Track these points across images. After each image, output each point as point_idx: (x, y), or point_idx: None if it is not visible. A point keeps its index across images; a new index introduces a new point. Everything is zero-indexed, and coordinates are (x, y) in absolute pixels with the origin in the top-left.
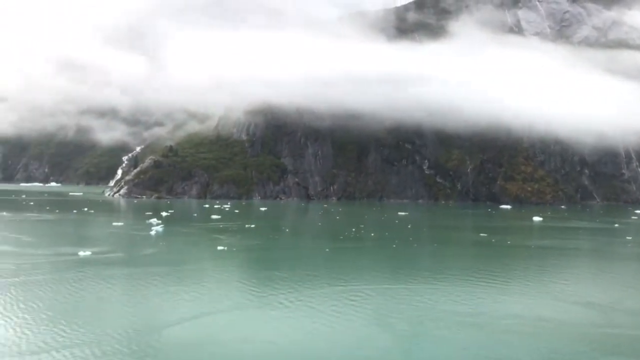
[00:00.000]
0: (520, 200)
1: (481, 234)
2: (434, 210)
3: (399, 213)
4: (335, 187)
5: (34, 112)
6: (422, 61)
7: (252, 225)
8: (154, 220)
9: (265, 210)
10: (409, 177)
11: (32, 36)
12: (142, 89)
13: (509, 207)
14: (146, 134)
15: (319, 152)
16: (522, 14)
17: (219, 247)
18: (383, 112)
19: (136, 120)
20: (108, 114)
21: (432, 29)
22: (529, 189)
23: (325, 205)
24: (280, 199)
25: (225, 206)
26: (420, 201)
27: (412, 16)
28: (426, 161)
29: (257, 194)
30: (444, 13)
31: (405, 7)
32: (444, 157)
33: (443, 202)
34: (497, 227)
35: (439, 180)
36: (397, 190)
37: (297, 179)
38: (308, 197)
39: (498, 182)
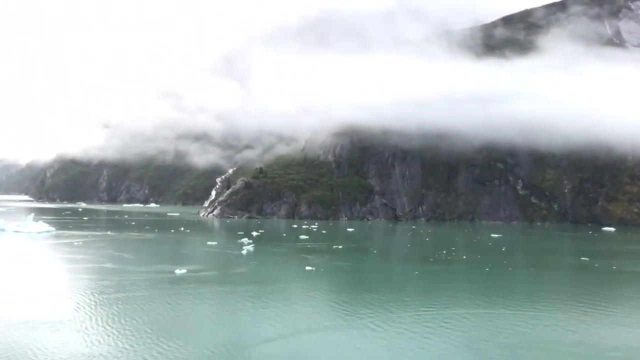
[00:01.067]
0: (626, 222)
1: (582, 258)
2: (530, 232)
3: (492, 235)
4: (423, 207)
5: (136, 137)
6: (511, 78)
7: (340, 246)
8: (245, 240)
9: (352, 231)
10: (502, 197)
11: (134, 68)
12: (234, 114)
13: (612, 229)
14: (238, 157)
15: (407, 173)
16: (623, 24)
17: (307, 267)
18: (472, 131)
19: (228, 144)
20: (203, 138)
21: (521, 44)
22: (635, 210)
23: (414, 227)
24: (368, 219)
25: (313, 226)
26: (514, 223)
27: (500, 32)
28: (520, 181)
29: (343, 215)
30: (534, 27)
31: (493, 24)
32: (539, 177)
33: (539, 223)
34: (600, 251)
35: (534, 200)
36: (489, 211)
37: (384, 200)
38: (396, 218)
39: (599, 203)
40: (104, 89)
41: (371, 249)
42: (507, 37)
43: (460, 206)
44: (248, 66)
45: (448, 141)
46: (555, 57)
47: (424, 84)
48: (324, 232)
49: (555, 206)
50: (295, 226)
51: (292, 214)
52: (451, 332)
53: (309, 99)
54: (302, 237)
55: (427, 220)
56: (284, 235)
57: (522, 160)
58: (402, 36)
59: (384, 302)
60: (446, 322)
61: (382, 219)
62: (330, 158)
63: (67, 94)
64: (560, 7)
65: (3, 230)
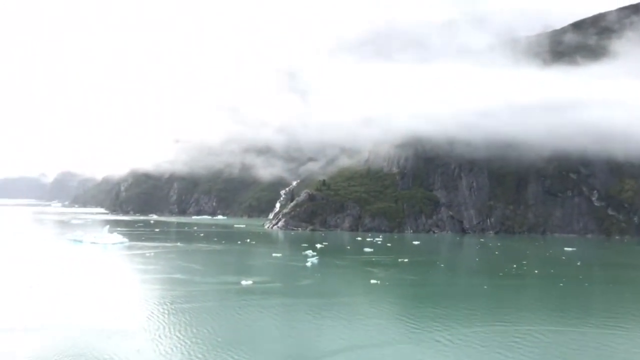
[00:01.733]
0: None
1: None
2: (607, 246)
3: (566, 248)
4: (492, 220)
5: (203, 152)
6: (582, 84)
7: (405, 259)
8: (309, 252)
9: (418, 244)
10: (575, 209)
11: (202, 86)
12: (295, 127)
13: None
14: (301, 169)
15: (474, 184)
16: None
17: (372, 281)
18: (542, 140)
19: (291, 157)
20: (266, 151)
21: (593, 49)
22: None
23: (482, 240)
24: (434, 232)
25: (377, 239)
26: (589, 236)
27: (570, 38)
28: (595, 192)
29: (409, 227)
30: (606, 32)
31: (562, 30)
32: (616, 187)
33: (617, 237)
34: None
35: (611, 212)
36: (562, 224)
37: (450, 212)
38: (463, 231)
39: None
40: (174, 106)
41: (438, 262)
42: (578, 43)
43: (530, 218)
44: (309, 79)
45: (516, 151)
46: (630, 62)
47: (489, 92)
48: (388, 244)
49: (635, 218)
50: (359, 239)
51: (356, 226)
52: (523, 350)
53: (370, 111)
54: (367, 249)
55: (496, 233)
56: (348, 247)
57: (597, 170)
58: (465, 45)
59: (451, 316)
60: (517, 339)
61: (449, 232)
62: (394, 169)
63: (140, 111)
64: (635, 10)
65: (81, 241)
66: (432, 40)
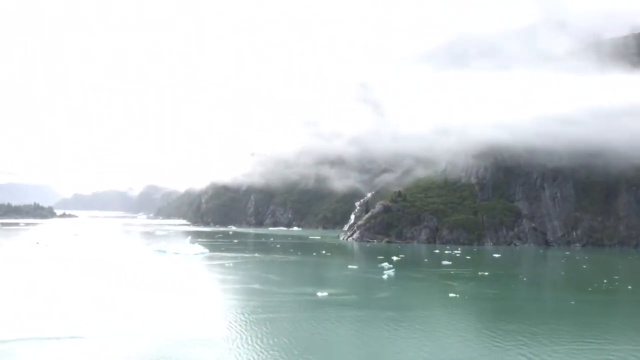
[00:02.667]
0: None
1: None
2: None
3: None
4: (578, 232)
5: (279, 164)
6: None
7: (486, 273)
8: (385, 264)
9: (498, 257)
10: None
11: (277, 100)
12: (368, 138)
13: None
14: (376, 181)
15: (558, 194)
16: None
17: (451, 294)
18: (632, 148)
19: (365, 168)
20: (339, 163)
21: None
22: None
23: (568, 253)
24: (515, 245)
25: (456, 252)
26: None
27: None
28: None
29: (488, 240)
30: None
31: None
32: None
33: None
34: None
35: None
36: None
37: (533, 224)
38: (546, 244)
39: None
40: (250, 119)
41: (520, 275)
42: None
43: (621, 231)
44: (382, 90)
45: (602, 159)
46: None
47: (572, 98)
48: (467, 257)
49: None
50: (436, 251)
51: (433, 239)
52: None
53: (446, 120)
54: (445, 262)
55: (583, 245)
56: (426, 260)
57: None
58: (545, 50)
59: (535, 333)
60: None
61: (531, 244)
62: (473, 180)
63: (218, 126)
64: None
65: (165, 252)
66: (510, 46)
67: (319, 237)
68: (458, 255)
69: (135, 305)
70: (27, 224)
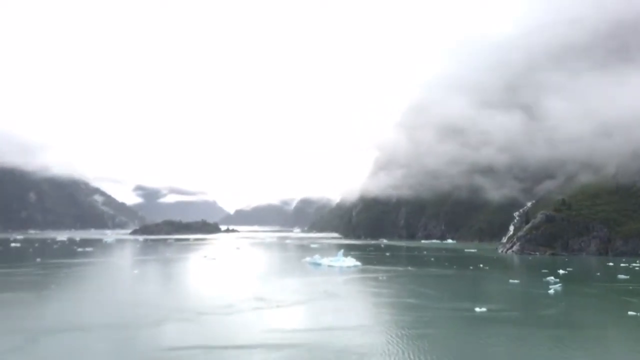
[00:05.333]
0: None
1: None
2: None
3: None
4: None
5: (428, 175)
6: None
7: None
8: (550, 278)
9: None
10: None
11: (421, 109)
12: (519, 144)
13: None
14: (535, 189)
15: None
16: None
17: (630, 312)
18: None
19: (520, 176)
20: (489, 171)
21: None
22: None
23: None
24: None
25: (635, 264)
26: None
27: None
28: None
29: None
30: None
31: None
32: None
33: None
34: None
35: None
36: None
37: None
38: None
39: None
40: (396, 131)
41: None
42: None
43: None
44: (533, 92)
45: None
46: None
47: None
48: None
49: None
50: (610, 264)
51: (605, 250)
52: None
53: (607, 121)
54: (621, 276)
55: None
56: (598, 274)
57: None
58: None
59: None
60: None
61: None
62: None
63: (366, 139)
64: None
65: (319, 264)
66: None
67: (475, 250)
68: (637, 268)
69: (293, 316)
70: (195, 239)
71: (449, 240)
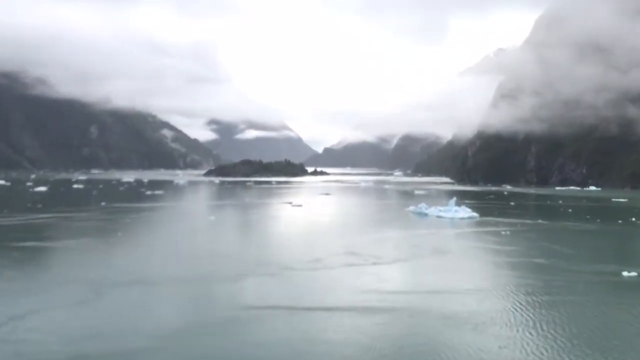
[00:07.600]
0: None
1: None
2: None
3: None
4: None
5: (565, 105)
6: None
7: None
8: None
9: None
10: None
11: (553, 24)
12: None
13: None
14: None
15: None
16: None
17: None
18: None
19: None
20: None
21: None
22: None
23: None
24: None
25: None
26: None
27: None
28: None
29: None
30: None
31: None
32: None
33: None
34: None
35: None
36: None
37: None
38: None
39: None
40: (523, 50)
41: None
42: None
43: None
44: None
45: None
46: None
47: None
48: None
49: None
50: None
51: None
52: None
53: None
54: None
55: None
56: None
57: None
58: None
59: None
60: None
61: None
62: None
63: (487, 58)
64: None
65: (426, 214)
66: None
67: (626, 200)
68: None
69: (393, 276)
70: (278, 182)
71: (592, 187)
